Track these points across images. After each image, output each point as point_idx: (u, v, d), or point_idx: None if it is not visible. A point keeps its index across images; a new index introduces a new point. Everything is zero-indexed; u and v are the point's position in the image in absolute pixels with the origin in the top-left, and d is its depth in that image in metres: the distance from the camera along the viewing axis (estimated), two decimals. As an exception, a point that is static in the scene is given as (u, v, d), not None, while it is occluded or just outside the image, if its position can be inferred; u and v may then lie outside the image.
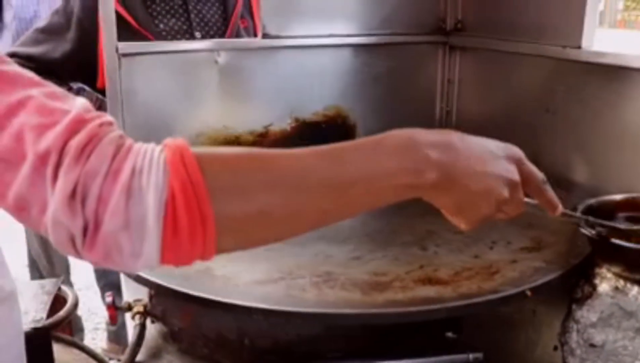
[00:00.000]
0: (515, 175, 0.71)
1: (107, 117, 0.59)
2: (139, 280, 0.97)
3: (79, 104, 0.59)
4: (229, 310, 0.88)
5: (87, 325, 2.97)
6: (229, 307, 0.87)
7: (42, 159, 0.55)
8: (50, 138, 0.55)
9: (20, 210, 0.58)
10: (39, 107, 0.57)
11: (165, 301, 1.05)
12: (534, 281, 0.93)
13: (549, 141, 1.43)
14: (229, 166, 0.60)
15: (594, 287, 0.95)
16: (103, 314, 2.89)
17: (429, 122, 1.80)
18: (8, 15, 2.29)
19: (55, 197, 0.55)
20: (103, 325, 2.97)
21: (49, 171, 0.55)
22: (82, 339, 2.71)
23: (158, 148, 0.58)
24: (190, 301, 0.90)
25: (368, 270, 0.99)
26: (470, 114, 1.72)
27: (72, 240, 0.56)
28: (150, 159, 0.57)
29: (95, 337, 2.99)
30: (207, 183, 0.56)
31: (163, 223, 0.56)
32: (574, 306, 0.97)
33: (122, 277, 1.26)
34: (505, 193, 0.69)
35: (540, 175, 0.76)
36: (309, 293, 0.91)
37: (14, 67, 0.60)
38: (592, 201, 1.04)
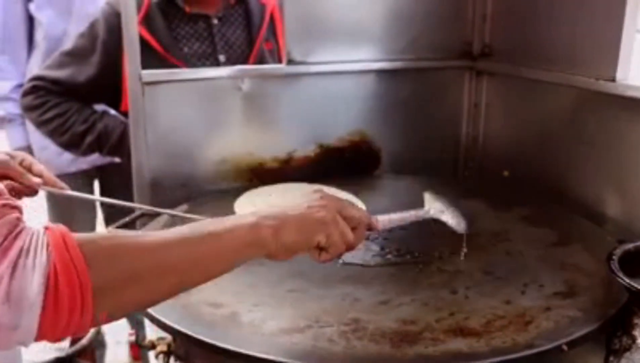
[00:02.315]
0: (324, 201, 0.85)
1: (13, 201, 0.66)
2: (163, 326, 0.95)
3: None
4: (256, 363, 0.85)
5: (109, 339, 2.97)
6: (256, 360, 0.85)
7: None
8: None
9: None
10: None
11: (190, 345, 1.03)
12: (570, 333, 0.89)
13: (580, 172, 1.40)
14: (104, 245, 0.69)
15: (633, 339, 0.91)
16: (125, 327, 2.90)
17: (454, 147, 1.78)
18: (39, 34, 2.30)
19: None
20: (125, 339, 2.97)
21: None
22: (103, 355, 2.71)
23: (42, 231, 0.66)
24: (216, 351, 0.88)
25: (397, 317, 0.96)
26: (498, 140, 1.69)
27: None
28: (37, 240, 0.64)
29: (117, 351, 2.98)
30: (85, 257, 0.65)
31: (44, 296, 0.62)
32: (611, 358, 0.94)
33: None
34: (323, 212, 0.83)
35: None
36: (337, 345, 0.88)
37: None
38: (630, 246, 1.01)
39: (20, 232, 0.63)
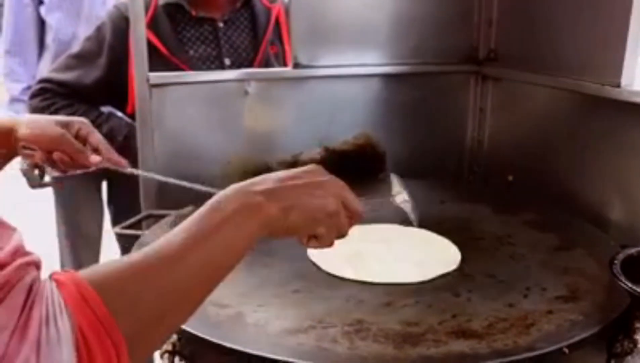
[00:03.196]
0: (333, 187, 0.79)
1: (33, 256, 0.57)
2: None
3: (13, 242, 0.55)
4: (260, 362, 0.86)
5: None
6: (260, 359, 0.85)
7: None
8: None
9: None
10: None
11: (195, 345, 1.04)
12: (571, 337, 0.90)
13: (585, 178, 1.40)
14: (122, 287, 0.61)
15: (635, 343, 0.92)
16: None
17: (459, 151, 1.78)
18: (49, 37, 2.33)
19: None
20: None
21: None
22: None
23: (54, 288, 0.56)
24: (220, 350, 0.89)
25: (400, 319, 0.97)
26: (503, 145, 1.70)
27: None
28: (53, 303, 0.55)
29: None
30: (110, 310, 0.56)
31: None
32: (613, 361, 0.94)
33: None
34: (333, 204, 0.77)
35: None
36: (340, 346, 0.89)
37: None
38: (632, 250, 1.01)
39: (35, 300, 0.54)
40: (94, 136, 1.16)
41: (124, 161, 1.23)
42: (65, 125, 1.13)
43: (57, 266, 2.77)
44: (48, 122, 1.10)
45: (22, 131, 1.08)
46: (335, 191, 0.79)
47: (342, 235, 0.81)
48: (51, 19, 2.31)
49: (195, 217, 0.69)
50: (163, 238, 0.66)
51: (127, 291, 0.60)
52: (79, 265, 2.64)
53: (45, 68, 2.24)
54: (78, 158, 1.13)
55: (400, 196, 1.09)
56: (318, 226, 0.78)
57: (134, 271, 0.62)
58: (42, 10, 2.32)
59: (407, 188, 1.10)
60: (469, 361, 0.85)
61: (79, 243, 2.51)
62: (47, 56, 2.33)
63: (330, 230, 0.79)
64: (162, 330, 0.64)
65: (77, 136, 1.15)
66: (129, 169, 1.26)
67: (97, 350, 0.55)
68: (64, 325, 0.54)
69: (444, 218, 1.42)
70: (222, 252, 0.68)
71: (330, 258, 1.17)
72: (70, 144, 1.10)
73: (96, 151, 1.18)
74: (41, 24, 2.35)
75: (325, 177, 0.80)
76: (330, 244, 0.81)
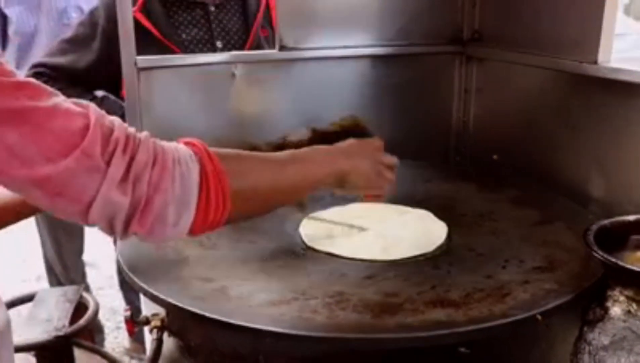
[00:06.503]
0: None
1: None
2: (156, 299, 0.98)
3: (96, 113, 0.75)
4: (242, 332, 0.89)
5: (109, 324, 3.01)
6: (242, 329, 0.88)
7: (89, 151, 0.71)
8: (94, 135, 0.72)
9: (55, 196, 0.72)
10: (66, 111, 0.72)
11: (181, 318, 1.07)
12: (545, 304, 0.93)
13: (566, 155, 1.43)
14: (236, 157, 0.92)
15: (606, 310, 0.94)
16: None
17: (445, 132, 1.81)
18: (10, 30, 2.34)
19: (108, 181, 0.72)
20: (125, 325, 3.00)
21: (99, 160, 0.72)
22: (103, 340, 2.75)
23: (182, 145, 0.84)
24: (205, 321, 0.92)
25: (380, 290, 1.00)
26: (487, 125, 1.72)
27: (111, 221, 0.75)
28: (183, 151, 0.81)
29: (118, 335, 3.03)
30: (226, 169, 0.83)
31: (197, 198, 0.80)
32: (585, 328, 0.97)
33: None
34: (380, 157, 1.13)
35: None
36: (320, 315, 0.92)
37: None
38: (606, 222, 1.04)
39: (162, 146, 0.79)
40: None
41: None
42: None
43: (39, 262, 2.78)
44: None
45: None
46: (377, 157, 1.13)
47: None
48: (11, 13, 2.31)
49: (286, 152, 1.02)
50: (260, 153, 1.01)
51: (239, 163, 0.90)
52: (61, 254, 2.66)
53: (10, 60, 2.24)
54: None
55: None
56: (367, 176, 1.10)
57: (245, 155, 0.94)
58: (1, 3, 2.31)
59: None
60: (444, 327, 0.88)
61: (61, 235, 2.53)
62: (11, 48, 2.34)
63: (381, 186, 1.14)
64: (251, 204, 0.91)
65: None
66: None
67: (213, 190, 0.81)
68: (194, 166, 0.80)
69: (430, 196, 1.45)
70: (301, 179, 0.99)
71: (318, 235, 1.20)
72: None
73: None
74: (4, 17, 2.35)
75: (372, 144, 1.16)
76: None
